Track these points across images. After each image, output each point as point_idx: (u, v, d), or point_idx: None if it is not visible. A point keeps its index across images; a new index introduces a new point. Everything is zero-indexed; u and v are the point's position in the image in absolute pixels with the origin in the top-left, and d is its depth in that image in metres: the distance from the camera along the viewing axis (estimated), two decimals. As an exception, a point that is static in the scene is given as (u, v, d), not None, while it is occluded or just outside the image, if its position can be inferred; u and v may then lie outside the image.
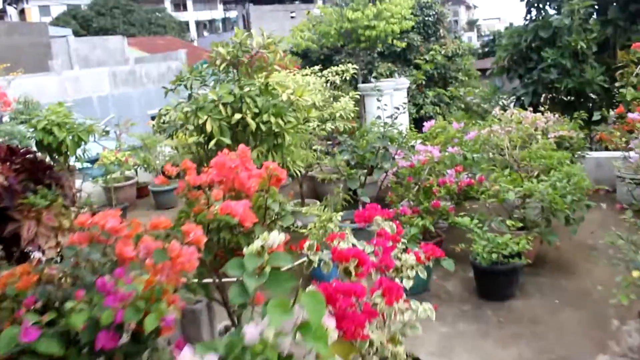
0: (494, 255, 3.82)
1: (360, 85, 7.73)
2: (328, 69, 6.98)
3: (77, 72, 22.78)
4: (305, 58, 13.60)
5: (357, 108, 6.90)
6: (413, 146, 6.11)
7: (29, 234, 2.48)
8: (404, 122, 7.72)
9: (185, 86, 4.92)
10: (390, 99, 7.85)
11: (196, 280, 2.52)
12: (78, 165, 7.90)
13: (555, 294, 4.06)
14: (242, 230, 3.08)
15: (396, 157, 5.58)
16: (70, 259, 1.92)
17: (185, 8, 61.60)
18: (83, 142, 6.87)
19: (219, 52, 4.60)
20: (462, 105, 13.89)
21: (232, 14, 57.42)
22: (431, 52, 9.61)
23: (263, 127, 4.62)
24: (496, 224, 4.39)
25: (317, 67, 7.39)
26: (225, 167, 3.18)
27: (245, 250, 1.95)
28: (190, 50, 28.78)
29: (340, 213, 5.44)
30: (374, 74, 9.62)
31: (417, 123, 10.90)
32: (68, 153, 6.87)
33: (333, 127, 6.49)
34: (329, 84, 6.87)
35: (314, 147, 6.73)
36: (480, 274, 4.08)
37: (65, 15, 46.89)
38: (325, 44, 8.70)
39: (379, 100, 5.81)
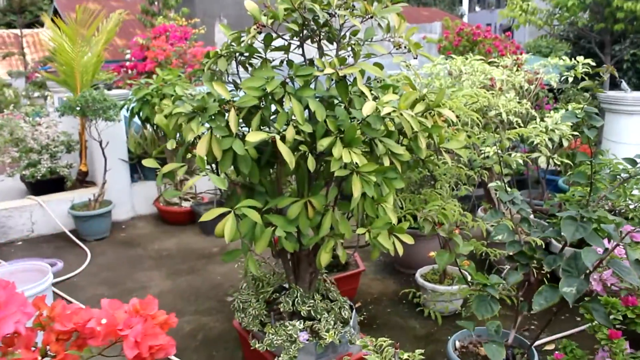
0: None
1: (603, 94, 4.72)
2: (542, 62, 4.22)
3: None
4: (576, 45, 10.20)
5: (578, 131, 4.02)
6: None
7: None
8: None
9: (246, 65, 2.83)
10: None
11: None
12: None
13: None
14: None
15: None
16: None
17: (461, -19, 58.89)
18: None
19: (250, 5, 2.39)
20: None
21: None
22: None
23: (309, 164, 2.35)
24: None
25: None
26: None
27: None
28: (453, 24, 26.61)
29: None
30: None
31: None
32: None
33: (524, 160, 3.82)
34: (531, 89, 4.11)
35: (491, 184, 4.16)
36: None
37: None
38: (560, 20, 5.69)
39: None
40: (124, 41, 15.71)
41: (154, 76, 5.36)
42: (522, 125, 4.14)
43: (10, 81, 13.68)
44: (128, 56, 9.85)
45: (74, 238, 5.32)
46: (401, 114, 2.38)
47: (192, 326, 3.74)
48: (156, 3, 12.57)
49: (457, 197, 3.79)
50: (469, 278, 2.38)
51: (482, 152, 3.66)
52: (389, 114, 2.36)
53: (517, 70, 4.58)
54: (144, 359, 1.29)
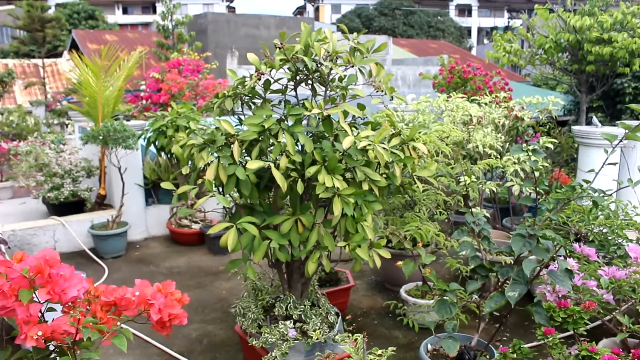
0: None
1: (576, 127, 5.19)
2: (517, 100, 4.70)
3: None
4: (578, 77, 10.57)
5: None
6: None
7: None
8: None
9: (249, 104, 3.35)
10: (624, 155, 5.12)
11: None
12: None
13: None
14: None
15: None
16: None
17: (469, 14, 60.06)
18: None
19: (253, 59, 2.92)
20: None
21: (518, 22, 53.59)
22: None
23: (299, 188, 2.84)
24: None
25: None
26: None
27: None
28: (460, 57, 27.33)
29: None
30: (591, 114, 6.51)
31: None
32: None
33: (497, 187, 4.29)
34: (505, 122, 4.59)
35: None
36: None
37: (351, 14, 49.48)
38: (541, 61, 6.21)
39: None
40: (139, 72, 16.46)
41: (169, 109, 5.90)
42: (498, 157, 4.62)
43: (31, 109, 14.38)
44: (143, 87, 10.48)
45: (92, 255, 5.81)
46: (375, 147, 2.87)
47: (199, 333, 4.18)
48: (171, 37, 13.30)
49: (437, 220, 4.26)
50: (432, 284, 2.83)
51: (460, 180, 4.14)
52: (365, 147, 2.85)
53: (497, 106, 5.08)
54: (164, 322, 1.76)
